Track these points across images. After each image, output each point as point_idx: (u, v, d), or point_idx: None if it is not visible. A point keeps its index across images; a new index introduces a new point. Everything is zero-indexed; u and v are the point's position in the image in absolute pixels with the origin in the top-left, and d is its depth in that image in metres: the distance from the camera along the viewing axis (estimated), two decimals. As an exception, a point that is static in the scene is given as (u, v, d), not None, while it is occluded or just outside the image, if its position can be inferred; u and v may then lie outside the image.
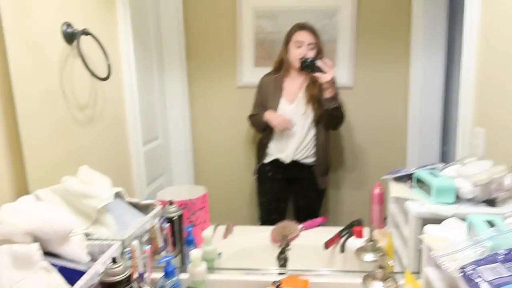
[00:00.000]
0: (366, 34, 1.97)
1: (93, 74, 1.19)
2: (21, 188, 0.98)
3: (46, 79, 1.08)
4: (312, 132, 1.76)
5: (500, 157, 1.11)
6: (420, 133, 1.96)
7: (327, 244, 1.24)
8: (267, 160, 1.81)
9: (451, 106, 1.87)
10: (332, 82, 1.62)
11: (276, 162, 1.79)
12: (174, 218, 1.09)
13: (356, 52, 2.00)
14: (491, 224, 0.68)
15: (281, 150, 1.78)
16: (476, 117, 1.29)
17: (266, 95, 1.79)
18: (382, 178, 1.12)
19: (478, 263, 0.60)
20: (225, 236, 1.37)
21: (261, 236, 1.36)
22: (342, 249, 1.21)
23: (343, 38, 2.00)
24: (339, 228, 1.33)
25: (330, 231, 1.32)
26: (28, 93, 1.00)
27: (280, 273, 1.01)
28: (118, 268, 0.81)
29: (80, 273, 0.83)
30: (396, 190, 1.02)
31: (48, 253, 0.85)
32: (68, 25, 1.16)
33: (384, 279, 0.83)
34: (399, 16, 1.91)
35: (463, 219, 0.81)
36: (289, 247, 1.20)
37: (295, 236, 1.33)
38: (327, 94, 1.63)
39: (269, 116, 1.75)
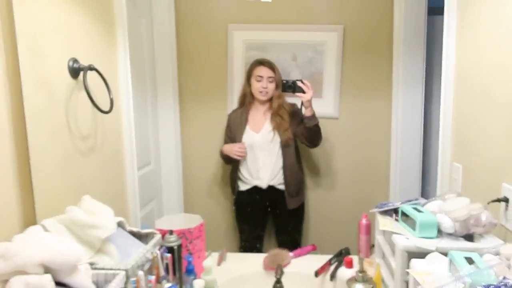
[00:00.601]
0: (351, 68, 2.10)
1: (97, 108, 1.24)
2: (29, 219, 1.02)
3: (54, 113, 1.13)
4: (280, 155, 1.90)
5: (475, 192, 1.22)
6: (401, 164, 2.07)
7: (318, 272, 1.31)
8: (244, 187, 1.94)
9: (430, 142, 1.99)
10: (311, 101, 1.78)
11: (253, 190, 1.92)
12: (174, 247, 1.14)
13: (341, 85, 2.12)
14: (470, 261, 0.77)
15: (256, 177, 1.92)
16: (454, 153, 1.40)
17: (235, 129, 1.94)
18: (371, 211, 1.20)
19: (460, 297, 0.68)
20: (219, 263, 1.42)
21: (254, 263, 1.42)
22: (332, 277, 1.27)
23: (329, 71, 2.12)
24: (327, 256, 1.40)
25: (319, 259, 1.38)
26: (39, 127, 1.04)
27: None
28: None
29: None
30: (383, 223, 1.10)
31: (57, 283, 0.88)
32: (75, 60, 1.22)
33: (373, 309, 0.90)
34: (381, 53, 2.05)
35: (445, 254, 0.90)
36: (284, 274, 1.26)
37: (287, 264, 1.39)
38: (308, 112, 1.80)
39: (225, 149, 1.92)
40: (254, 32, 2.13)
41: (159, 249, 1.11)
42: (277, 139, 1.89)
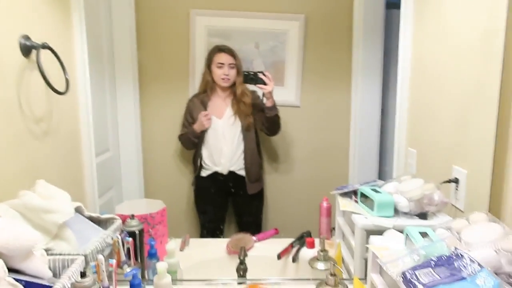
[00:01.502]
0: (312, 57, 2.13)
1: (52, 88, 1.19)
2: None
3: (3, 92, 1.06)
4: (241, 140, 1.91)
5: (429, 175, 1.28)
6: (360, 151, 2.13)
7: (280, 255, 1.33)
8: (204, 173, 1.94)
9: (387, 128, 2.07)
10: (272, 92, 1.81)
11: (214, 175, 1.92)
12: (136, 231, 1.11)
13: (302, 74, 2.15)
14: (424, 235, 0.81)
15: (217, 163, 1.92)
16: (409, 139, 1.46)
17: (197, 115, 1.92)
18: (331, 193, 1.24)
19: (415, 268, 0.72)
20: (181, 248, 1.41)
21: (216, 248, 1.42)
22: (294, 259, 1.30)
23: (291, 60, 2.14)
24: (289, 240, 1.43)
25: (282, 243, 1.41)
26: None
27: (239, 283, 1.07)
28: (87, 282, 0.83)
29: (45, 288, 0.84)
30: (344, 204, 1.14)
31: (9, 269, 0.84)
32: (26, 37, 1.16)
33: (335, 285, 0.93)
34: (341, 43, 2.09)
35: (401, 231, 0.94)
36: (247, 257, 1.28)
37: (250, 248, 1.41)
38: (269, 103, 1.83)
39: (197, 125, 1.91)
40: (217, 19, 2.11)
41: (119, 234, 1.08)
42: (238, 124, 1.90)
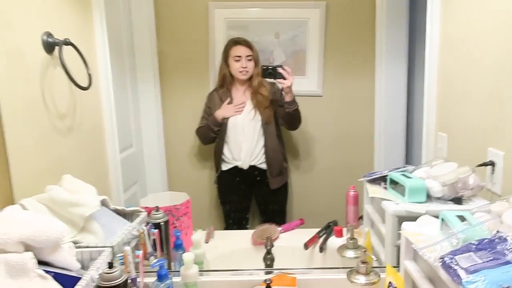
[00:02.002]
0: (334, 45, 2.08)
1: (75, 83, 1.19)
2: (6, 198, 0.97)
3: (28, 89, 1.07)
4: (262, 135, 1.88)
5: (461, 159, 1.23)
6: (385, 138, 2.08)
7: (307, 245, 1.30)
8: (225, 167, 1.92)
9: (413, 113, 2.00)
10: (291, 87, 1.77)
11: (235, 169, 1.90)
12: (161, 223, 1.11)
13: (324, 62, 2.10)
14: (462, 218, 0.77)
15: (237, 158, 1.89)
16: (439, 123, 1.40)
17: (215, 109, 1.91)
18: (360, 180, 1.20)
19: (455, 252, 0.68)
20: (207, 240, 1.40)
21: (241, 240, 1.41)
22: (321, 249, 1.27)
23: (312, 49, 2.10)
24: (315, 230, 1.40)
25: (307, 233, 1.38)
26: (13, 103, 0.99)
27: (267, 273, 1.06)
28: (115, 273, 0.82)
29: (74, 280, 0.84)
30: (373, 191, 1.10)
31: (39, 262, 0.85)
32: (49, 34, 1.16)
33: (367, 273, 0.89)
34: (364, 29, 2.04)
35: (435, 216, 0.90)
36: (273, 247, 1.26)
37: (276, 238, 1.38)
38: (288, 98, 1.78)
39: (220, 112, 1.89)
40: (236, 10, 2.09)
41: (145, 226, 1.08)
42: (258, 118, 1.87)
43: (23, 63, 1.05)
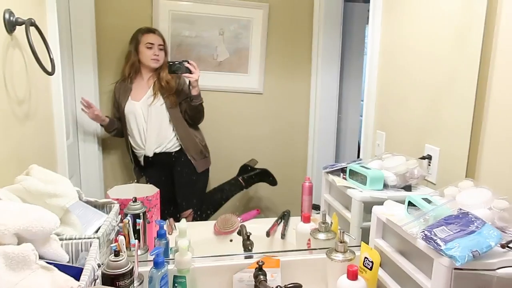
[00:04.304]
0: (275, 46, 2.20)
1: (42, 67, 1.12)
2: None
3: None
4: (170, 120, 1.88)
5: (399, 152, 1.44)
6: (318, 134, 2.27)
7: (269, 233, 1.40)
8: (138, 157, 1.90)
9: (342, 113, 2.23)
10: (198, 81, 1.83)
11: (147, 160, 1.89)
12: (141, 214, 1.11)
13: (266, 61, 2.22)
14: (427, 201, 0.94)
15: (142, 146, 1.89)
16: (377, 122, 1.61)
17: (120, 100, 1.90)
18: (324, 171, 1.34)
19: (431, 227, 0.84)
20: (169, 232, 1.41)
21: (203, 230, 1.45)
22: (283, 236, 1.39)
23: (255, 48, 2.19)
24: (270, 219, 1.51)
25: (265, 222, 1.49)
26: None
27: (247, 257, 1.13)
28: (122, 261, 0.83)
29: (74, 270, 0.83)
30: (339, 180, 1.24)
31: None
32: (10, 12, 1.08)
33: (344, 251, 1.03)
34: (302, 33, 2.19)
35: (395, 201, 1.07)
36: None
37: (237, 228, 1.46)
38: (195, 91, 1.84)
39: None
40: (181, 3, 2.08)
41: (128, 217, 1.07)
42: (160, 102, 1.87)
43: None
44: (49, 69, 1.17)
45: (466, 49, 1.13)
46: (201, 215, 1.81)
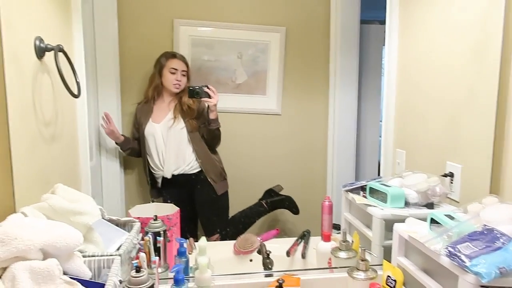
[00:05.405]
0: (292, 68, 2.24)
1: (69, 90, 1.17)
2: (8, 207, 0.93)
3: (21, 93, 1.04)
4: (188, 143, 1.91)
5: (420, 170, 1.42)
6: (337, 154, 2.27)
7: (289, 252, 1.39)
8: (157, 180, 1.93)
9: (362, 132, 2.23)
10: (216, 105, 1.87)
11: (165, 181, 1.91)
12: (161, 232, 1.12)
13: (283, 83, 2.25)
14: (450, 217, 0.93)
15: (161, 167, 1.91)
16: (397, 141, 1.60)
17: (141, 122, 1.94)
18: (343, 189, 1.33)
19: (455, 243, 0.82)
20: (189, 251, 1.41)
21: (223, 250, 1.45)
22: (304, 255, 1.37)
23: (273, 70, 2.24)
24: (290, 239, 1.50)
25: (284, 242, 1.48)
26: (15, 109, 0.96)
27: (267, 275, 1.12)
28: (143, 277, 0.84)
29: (97, 286, 0.84)
30: (358, 199, 1.23)
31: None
32: (40, 40, 1.14)
33: (366, 269, 1.01)
34: (319, 54, 2.23)
35: (418, 218, 1.05)
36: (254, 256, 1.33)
37: (256, 248, 1.45)
38: (213, 116, 1.88)
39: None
40: (201, 29, 2.15)
41: (149, 235, 1.09)
42: (181, 126, 1.90)
43: (18, 68, 1.02)
44: (75, 92, 1.22)
45: (484, 64, 1.12)
46: (227, 240, 1.78)
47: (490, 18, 1.10)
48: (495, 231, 0.83)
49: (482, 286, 0.76)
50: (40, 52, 1.14)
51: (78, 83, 1.25)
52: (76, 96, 1.21)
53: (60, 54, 1.17)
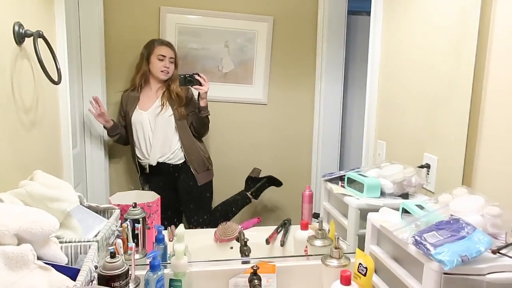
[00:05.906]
0: (279, 57, 2.24)
1: (48, 77, 1.16)
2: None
3: (1, 80, 1.04)
4: (176, 131, 1.91)
5: (399, 161, 1.44)
6: (322, 143, 2.29)
7: (268, 240, 1.41)
8: (143, 166, 1.93)
9: (346, 123, 2.25)
10: (207, 93, 1.87)
11: (152, 168, 1.91)
12: (140, 219, 1.14)
13: (270, 73, 2.25)
14: (420, 207, 0.95)
15: (147, 156, 1.92)
16: (378, 132, 1.63)
17: (128, 109, 1.93)
18: (322, 179, 1.35)
19: (422, 232, 0.85)
20: (170, 239, 1.43)
21: (204, 238, 1.47)
22: (283, 243, 1.39)
23: (260, 59, 2.23)
24: (270, 227, 1.52)
25: (265, 230, 1.50)
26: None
27: (244, 262, 1.14)
28: (118, 262, 0.85)
29: (71, 271, 0.85)
30: (336, 188, 1.25)
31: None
32: (20, 25, 1.13)
33: (339, 257, 1.03)
34: (306, 44, 2.23)
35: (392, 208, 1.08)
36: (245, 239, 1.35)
37: (237, 235, 1.47)
38: (203, 103, 1.88)
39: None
40: (188, 17, 2.14)
41: (126, 221, 1.10)
42: (169, 113, 1.90)
43: (-1, 53, 1.02)
44: (56, 79, 1.22)
45: (461, 61, 1.14)
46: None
47: (467, 17, 1.12)
48: (461, 221, 0.85)
49: (445, 273, 0.78)
50: (19, 37, 1.13)
51: (58, 70, 1.25)
52: (56, 83, 1.21)
53: (40, 40, 1.17)
